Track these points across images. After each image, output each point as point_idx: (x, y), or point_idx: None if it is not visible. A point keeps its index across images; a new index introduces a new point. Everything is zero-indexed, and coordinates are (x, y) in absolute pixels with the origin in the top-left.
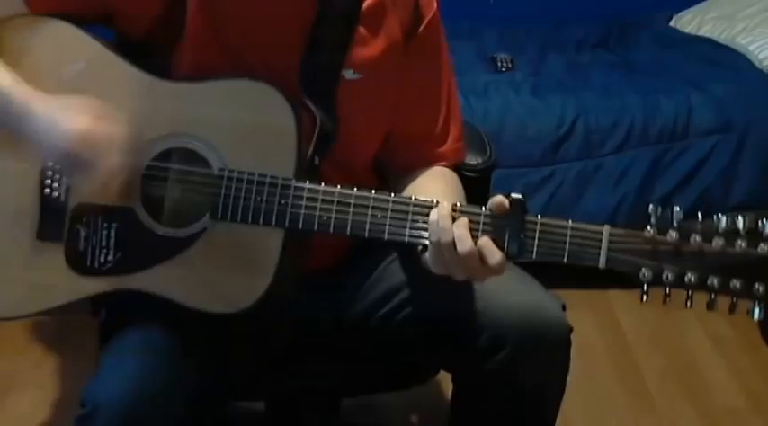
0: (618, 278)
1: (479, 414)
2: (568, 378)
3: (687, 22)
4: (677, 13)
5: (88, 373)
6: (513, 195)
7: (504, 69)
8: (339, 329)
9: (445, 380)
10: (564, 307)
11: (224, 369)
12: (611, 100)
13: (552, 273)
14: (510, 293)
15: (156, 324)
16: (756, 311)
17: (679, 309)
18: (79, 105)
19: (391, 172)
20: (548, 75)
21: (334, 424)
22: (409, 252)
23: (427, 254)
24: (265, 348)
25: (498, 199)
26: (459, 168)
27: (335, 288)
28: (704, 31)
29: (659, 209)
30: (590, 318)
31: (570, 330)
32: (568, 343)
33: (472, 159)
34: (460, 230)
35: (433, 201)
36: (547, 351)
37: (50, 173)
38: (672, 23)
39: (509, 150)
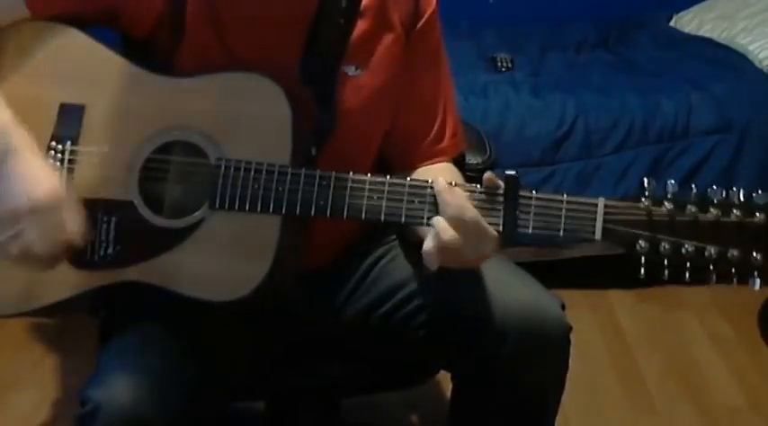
0: (618, 278)
1: (479, 413)
2: (568, 378)
3: (687, 22)
4: (677, 13)
5: (88, 373)
6: (507, 172)
7: (503, 69)
8: (339, 328)
9: (445, 380)
10: (563, 307)
11: (224, 369)
12: (611, 100)
13: (552, 273)
14: (509, 292)
15: (156, 324)
16: (758, 281)
17: (679, 306)
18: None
19: (394, 169)
20: (547, 75)
21: (334, 424)
22: (409, 251)
23: (427, 240)
24: (265, 347)
25: (491, 175)
26: (460, 163)
27: (335, 287)
28: (704, 31)
29: (653, 182)
30: (590, 318)
31: (570, 329)
32: (568, 342)
33: (472, 159)
34: (459, 200)
35: (428, 182)
36: (546, 350)
37: (54, 165)
38: (672, 23)
39: (509, 150)
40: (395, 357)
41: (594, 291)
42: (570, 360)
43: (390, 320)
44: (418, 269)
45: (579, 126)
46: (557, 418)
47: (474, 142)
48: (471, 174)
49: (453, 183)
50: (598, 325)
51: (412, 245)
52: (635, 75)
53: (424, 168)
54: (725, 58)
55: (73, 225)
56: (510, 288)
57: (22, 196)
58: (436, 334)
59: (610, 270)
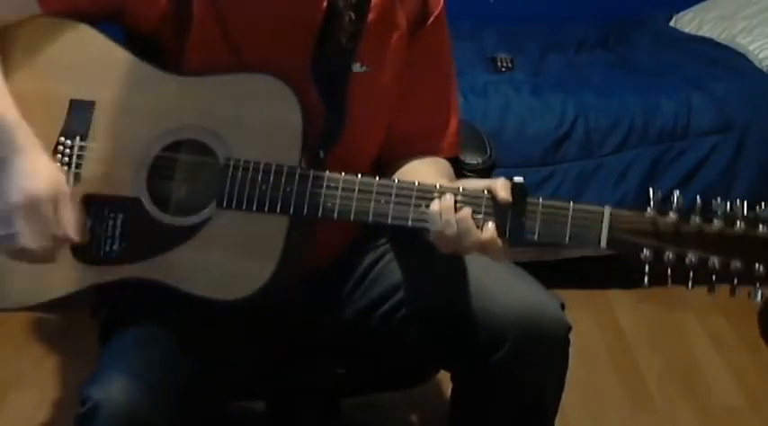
0: (618, 278)
1: (479, 413)
2: (568, 378)
3: (687, 22)
4: (677, 12)
5: (88, 372)
6: (515, 178)
7: (504, 69)
8: (339, 328)
9: (445, 380)
10: (563, 306)
11: (224, 368)
12: (611, 100)
13: (552, 273)
14: (509, 292)
15: (157, 323)
16: (759, 293)
17: (679, 306)
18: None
19: (388, 162)
20: (548, 74)
21: (334, 424)
22: (411, 247)
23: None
24: (265, 347)
25: (499, 182)
26: (457, 163)
27: (335, 286)
28: (704, 31)
29: (659, 192)
30: (590, 318)
31: (569, 328)
32: (567, 342)
33: (472, 159)
34: (466, 224)
35: (436, 187)
36: (546, 350)
37: (59, 164)
38: (672, 23)
39: (509, 150)
40: (395, 356)
41: (594, 291)
42: (570, 360)
43: (390, 319)
44: (419, 268)
45: (579, 126)
46: (557, 418)
47: (474, 142)
48: (471, 174)
49: (461, 189)
50: (598, 325)
51: (412, 244)
52: (635, 75)
53: (416, 161)
54: (725, 58)
55: (68, 222)
56: (510, 288)
57: (19, 193)
58: (436, 334)
59: (610, 270)
